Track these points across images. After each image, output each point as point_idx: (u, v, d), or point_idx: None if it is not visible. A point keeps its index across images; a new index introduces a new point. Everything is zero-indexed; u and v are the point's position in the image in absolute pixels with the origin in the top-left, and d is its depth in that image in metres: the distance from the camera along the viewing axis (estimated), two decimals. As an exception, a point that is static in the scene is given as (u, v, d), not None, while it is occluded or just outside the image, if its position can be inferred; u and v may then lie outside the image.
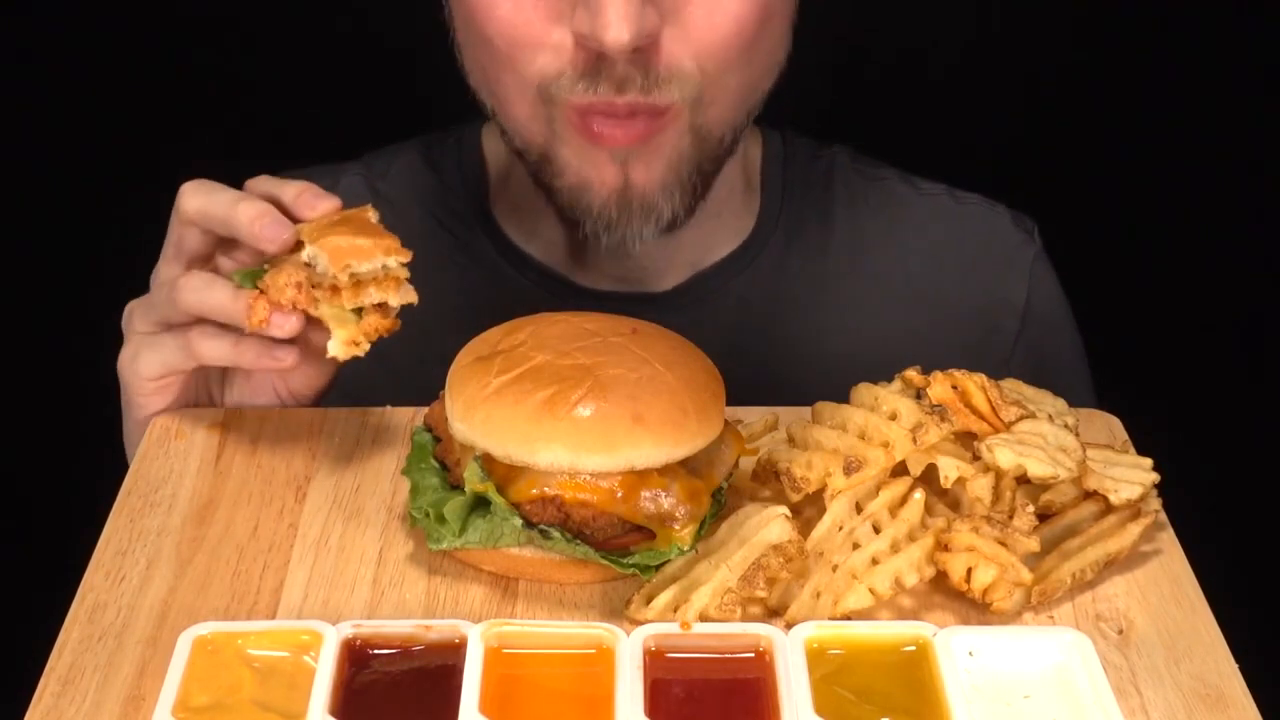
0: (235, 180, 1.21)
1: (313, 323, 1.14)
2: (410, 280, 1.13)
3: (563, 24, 1.25)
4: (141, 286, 1.31)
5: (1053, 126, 2.31)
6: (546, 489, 1.03)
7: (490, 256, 1.53)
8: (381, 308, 1.12)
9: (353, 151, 1.64)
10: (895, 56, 2.27)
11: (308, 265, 1.12)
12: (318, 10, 2.21)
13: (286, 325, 1.12)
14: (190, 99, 2.23)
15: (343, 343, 1.11)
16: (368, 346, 1.12)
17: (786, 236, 1.54)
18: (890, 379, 1.12)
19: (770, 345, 1.51)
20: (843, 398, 1.10)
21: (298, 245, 1.13)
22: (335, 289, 1.11)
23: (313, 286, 1.11)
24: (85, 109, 2.24)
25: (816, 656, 0.96)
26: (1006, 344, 1.56)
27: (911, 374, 1.10)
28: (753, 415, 1.18)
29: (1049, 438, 1.07)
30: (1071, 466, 1.06)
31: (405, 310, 1.14)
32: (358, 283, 1.11)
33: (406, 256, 1.12)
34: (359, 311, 1.12)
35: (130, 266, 1.31)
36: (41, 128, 2.26)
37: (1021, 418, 1.08)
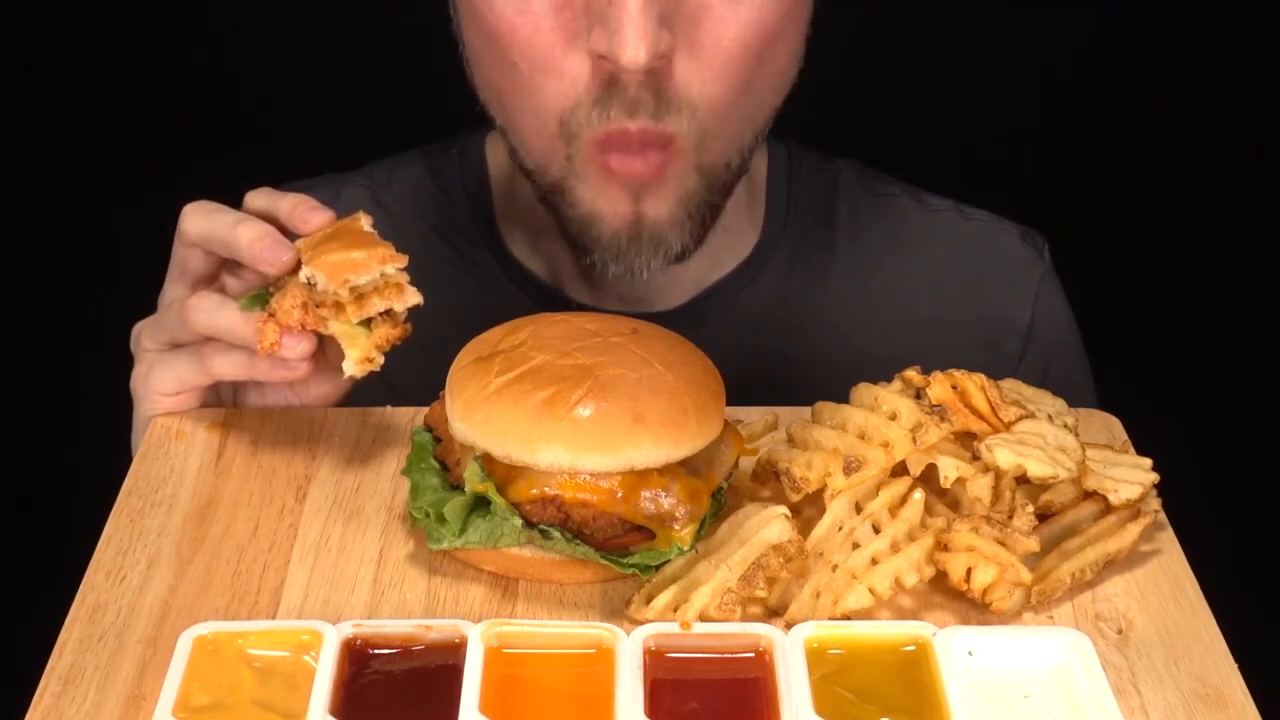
0: (240, 189, 1.21)
1: (325, 336, 1.14)
2: (412, 282, 1.13)
3: (579, 46, 1.25)
4: (142, 289, 1.32)
5: (1052, 129, 2.31)
6: (546, 489, 1.03)
7: (492, 271, 1.52)
8: (389, 315, 1.12)
9: (355, 161, 1.63)
10: (903, 68, 2.27)
11: (309, 285, 1.12)
12: (317, 20, 2.21)
13: (298, 348, 1.12)
14: (192, 110, 2.23)
15: (356, 361, 1.11)
16: (382, 360, 1.12)
17: (790, 254, 1.54)
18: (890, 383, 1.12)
19: (772, 363, 1.50)
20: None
21: (299, 264, 1.13)
22: (339, 305, 1.11)
23: (317, 305, 1.11)
24: (83, 120, 2.24)
25: (816, 656, 0.96)
26: (1010, 364, 1.54)
27: (911, 374, 1.10)
28: (753, 415, 1.18)
29: (1049, 438, 1.07)
30: (1071, 467, 1.06)
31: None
32: (360, 296, 1.11)
33: (403, 261, 1.11)
34: (368, 323, 1.12)
35: (133, 269, 1.31)
36: (44, 137, 2.26)
37: (1021, 418, 1.08)
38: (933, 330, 1.53)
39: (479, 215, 1.54)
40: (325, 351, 1.18)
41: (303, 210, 1.17)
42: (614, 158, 1.28)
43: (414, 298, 1.12)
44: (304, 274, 1.12)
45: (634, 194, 1.30)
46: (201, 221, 1.19)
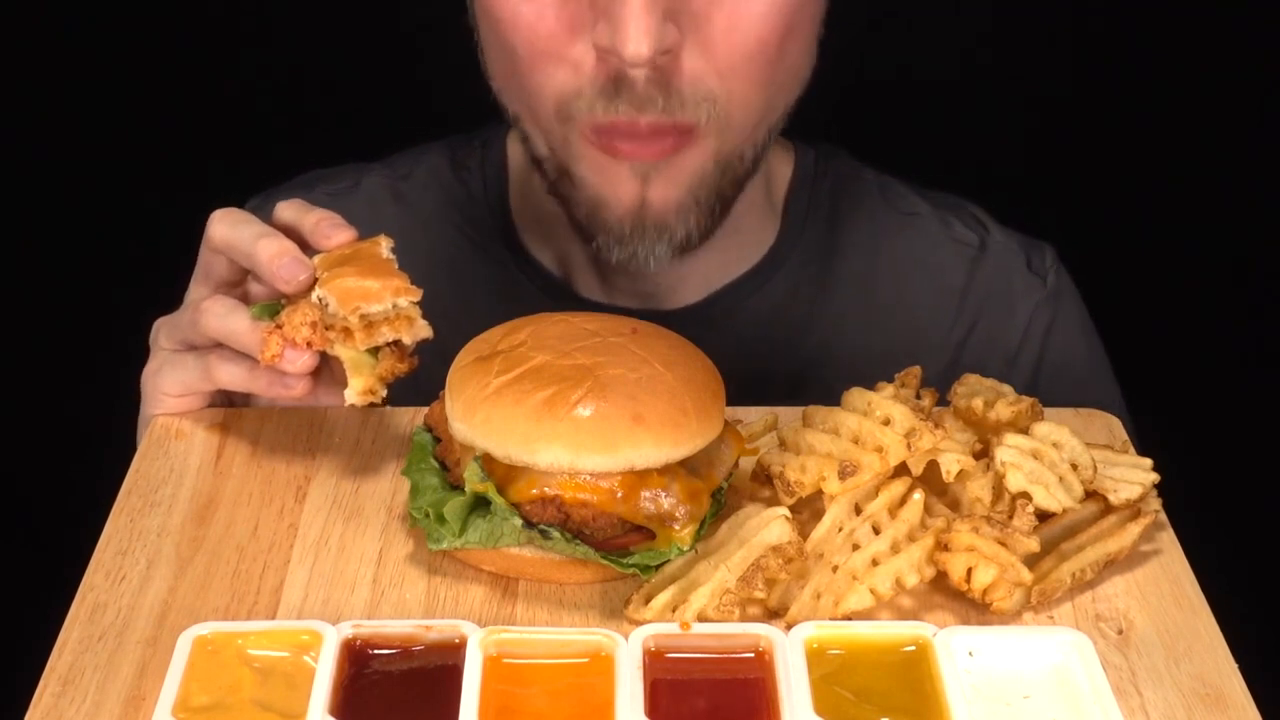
0: (258, 184, 1.21)
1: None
2: (422, 304, 1.12)
3: (584, 37, 1.25)
4: (145, 290, 1.32)
5: (1053, 127, 2.31)
6: (546, 489, 1.03)
7: (505, 261, 1.53)
8: (398, 346, 1.12)
9: (381, 153, 1.64)
10: (912, 69, 2.27)
11: (321, 304, 1.12)
12: (344, 12, 2.21)
13: (298, 362, 1.12)
14: (213, 102, 2.22)
15: (359, 392, 1.11)
16: (384, 392, 1.12)
17: (803, 262, 1.53)
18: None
19: (778, 367, 1.50)
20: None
21: (315, 282, 1.13)
22: (348, 331, 1.10)
23: (326, 327, 1.11)
24: (101, 112, 2.23)
25: (816, 656, 0.96)
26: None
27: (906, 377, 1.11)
28: (753, 415, 1.18)
29: (1065, 450, 1.07)
30: (1079, 494, 1.06)
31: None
32: (370, 324, 1.10)
33: (416, 295, 1.11)
34: (375, 352, 1.12)
35: (136, 271, 1.31)
36: (57, 131, 2.25)
37: (1018, 415, 1.09)
38: (937, 354, 1.52)
39: (495, 206, 1.55)
40: (330, 366, 1.17)
41: (325, 226, 1.17)
42: (619, 140, 1.28)
43: (424, 331, 1.12)
44: (316, 294, 1.12)
45: (641, 176, 1.30)
46: (226, 231, 1.19)
